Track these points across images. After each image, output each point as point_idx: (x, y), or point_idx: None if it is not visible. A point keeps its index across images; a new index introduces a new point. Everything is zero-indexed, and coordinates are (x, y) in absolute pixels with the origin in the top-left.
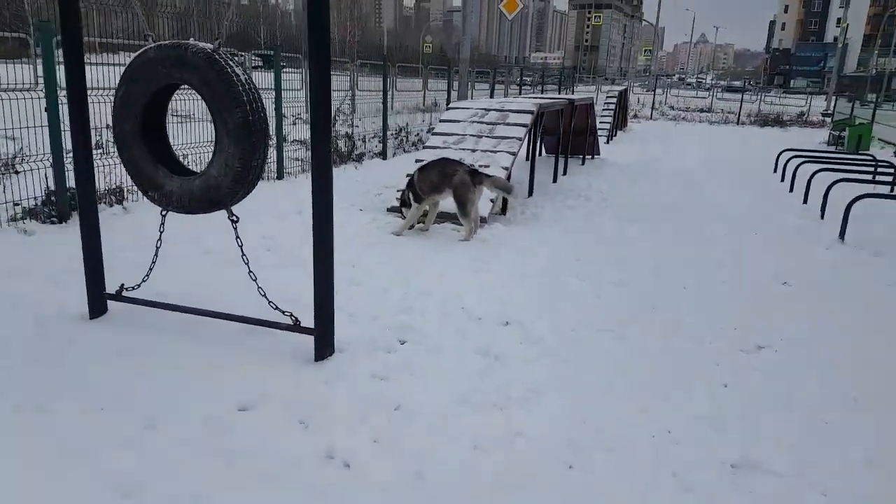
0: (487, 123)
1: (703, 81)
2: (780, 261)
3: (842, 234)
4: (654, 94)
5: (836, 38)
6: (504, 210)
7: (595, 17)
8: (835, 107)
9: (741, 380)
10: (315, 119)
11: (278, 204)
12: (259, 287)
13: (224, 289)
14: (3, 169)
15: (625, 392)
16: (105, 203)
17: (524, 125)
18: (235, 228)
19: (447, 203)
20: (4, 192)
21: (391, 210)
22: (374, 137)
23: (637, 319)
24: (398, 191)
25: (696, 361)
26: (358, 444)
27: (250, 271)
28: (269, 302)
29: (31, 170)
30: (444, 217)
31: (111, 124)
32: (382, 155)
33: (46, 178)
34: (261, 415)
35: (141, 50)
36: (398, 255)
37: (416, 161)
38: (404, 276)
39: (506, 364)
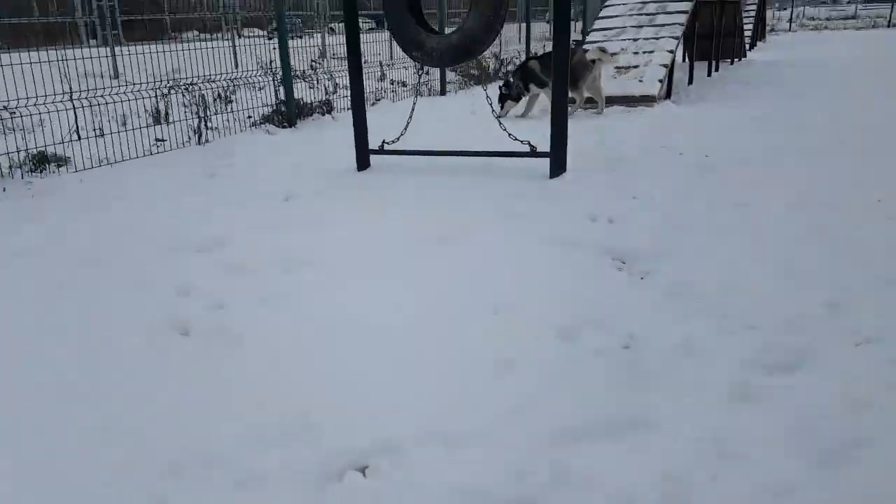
0: (647, 14)
1: None
2: None
3: None
4: (793, 7)
5: None
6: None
7: None
8: None
9: None
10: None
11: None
12: (501, 124)
13: (459, 142)
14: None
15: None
16: (318, 112)
17: (685, 12)
18: (487, 94)
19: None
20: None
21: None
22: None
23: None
24: (499, 86)
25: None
26: (612, 212)
27: (493, 110)
28: (510, 134)
29: (262, 87)
30: (610, 101)
31: (383, 3)
32: None
33: (276, 93)
34: (527, 198)
35: None
36: (590, 125)
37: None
38: (601, 134)
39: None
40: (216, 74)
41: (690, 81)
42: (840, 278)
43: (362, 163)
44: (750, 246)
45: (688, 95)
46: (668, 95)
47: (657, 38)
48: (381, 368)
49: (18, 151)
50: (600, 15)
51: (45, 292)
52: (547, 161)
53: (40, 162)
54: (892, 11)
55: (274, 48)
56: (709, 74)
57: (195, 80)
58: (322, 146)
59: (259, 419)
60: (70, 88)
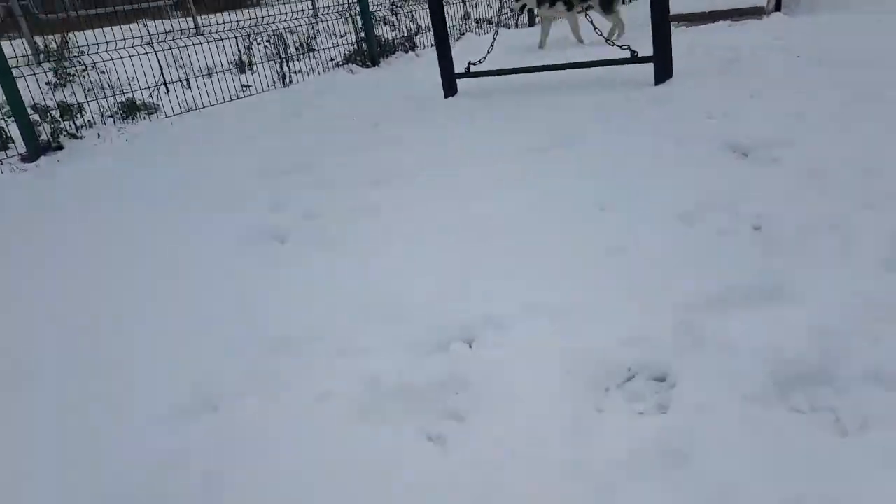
0: None
1: None
2: None
3: None
4: None
5: None
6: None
7: None
8: None
9: None
10: None
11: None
12: (597, 29)
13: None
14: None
15: None
16: (401, 50)
17: None
18: None
19: None
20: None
21: None
22: None
23: None
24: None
25: None
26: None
27: (591, 21)
28: (607, 40)
29: (343, 34)
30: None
31: None
32: None
33: (357, 34)
34: (634, 102)
35: None
36: (687, 39)
37: None
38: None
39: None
40: (295, 22)
41: None
42: None
43: (449, 87)
44: (885, 133)
45: (798, 5)
46: (777, 7)
47: None
48: (485, 256)
49: (107, 98)
50: None
51: (155, 222)
52: (651, 67)
53: (131, 110)
54: None
55: None
56: None
57: (275, 27)
58: (406, 81)
59: (365, 299)
60: (151, 40)
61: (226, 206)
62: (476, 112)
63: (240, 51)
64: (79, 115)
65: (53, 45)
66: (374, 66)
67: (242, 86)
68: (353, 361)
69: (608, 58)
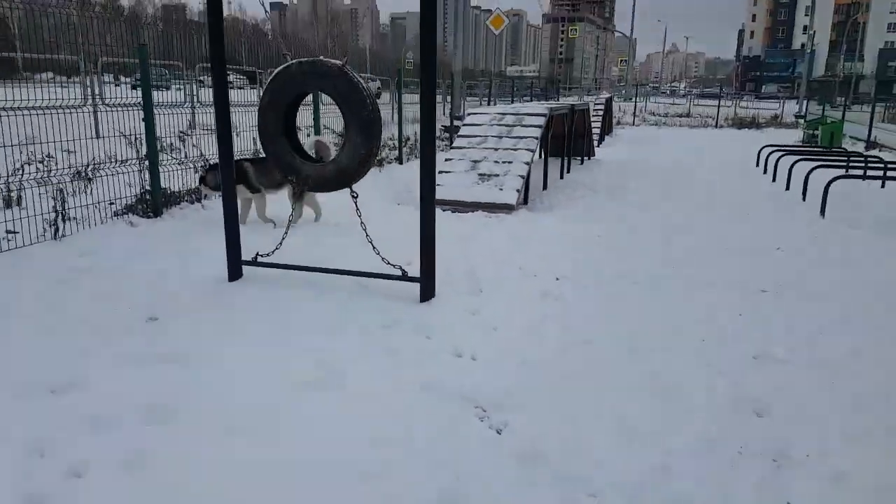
0: (506, 126)
1: (677, 89)
2: (773, 233)
3: (822, 212)
4: (636, 102)
5: (803, 45)
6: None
7: (572, 29)
8: (807, 109)
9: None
10: (424, 122)
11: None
12: (374, 247)
13: (335, 255)
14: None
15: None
16: (186, 201)
17: (539, 126)
18: (355, 201)
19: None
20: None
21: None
22: (384, 146)
23: (665, 273)
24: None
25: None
26: (475, 347)
27: (367, 235)
28: (383, 258)
29: (122, 173)
30: (476, 206)
31: (258, 124)
32: (399, 160)
33: (142, 180)
34: (397, 328)
35: (284, 65)
36: (451, 231)
37: (446, 160)
38: (464, 247)
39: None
40: (73, 141)
41: (545, 186)
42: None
43: (234, 273)
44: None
45: (542, 202)
46: (524, 202)
47: (515, 150)
48: None
49: None
50: (465, 122)
51: None
52: (416, 286)
53: None
54: (717, 112)
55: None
56: (561, 177)
57: (49, 153)
58: (191, 246)
59: None
60: None
61: None
62: (256, 315)
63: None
64: None
65: None
66: (156, 216)
67: (7, 231)
68: None
69: (382, 272)
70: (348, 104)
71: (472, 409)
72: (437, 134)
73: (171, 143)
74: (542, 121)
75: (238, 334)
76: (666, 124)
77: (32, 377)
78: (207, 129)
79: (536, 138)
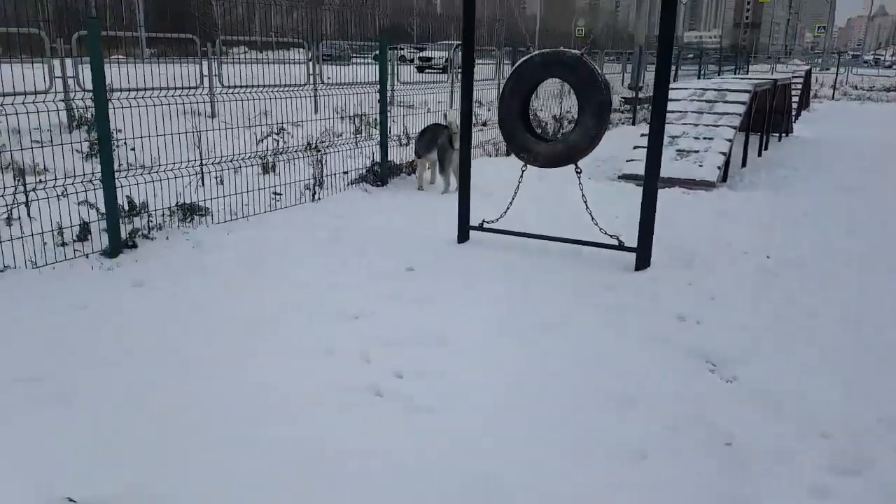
0: (707, 101)
1: (882, 58)
2: None
3: None
4: (837, 74)
5: None
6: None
7: None
8: None
9: None
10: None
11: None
12: (593, 218)
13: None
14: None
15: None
16: (405, 173)
17: (743, 102)
18: (579, 176)
19: None
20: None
21: (622, 177)
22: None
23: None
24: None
25: None
26: (698, 313)
27: (587, 207)
28: (601, 229)
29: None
30: (672, 182)
31: (498, 108)
32: None
33: (372, 154)
34: (619, 290)
35: (526, 56)
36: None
37: (641, 135)
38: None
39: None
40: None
41: (744, 164)
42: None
43: (462, 236)
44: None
45: (741, 179)
46: (724, 179)
47: (717, 126)
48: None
49: (141, 183)
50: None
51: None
52: (632, 255)
53: (188, 212)
54: None
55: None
56: (759, 154)
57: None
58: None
59: None
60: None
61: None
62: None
63: (266, 148)
64: (145, 214)
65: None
66: (383, 185)
67: (274, 193)
68: None
69: (598, 241)
70: (585, 90)
71: (704, 363)
72: (617, 106)
73: (376, 119)
74: (746, 97)
75: (473, 289)
76: (871, 99)
77: (339, 308)
78: (402, 105)
79: (740, 115)
